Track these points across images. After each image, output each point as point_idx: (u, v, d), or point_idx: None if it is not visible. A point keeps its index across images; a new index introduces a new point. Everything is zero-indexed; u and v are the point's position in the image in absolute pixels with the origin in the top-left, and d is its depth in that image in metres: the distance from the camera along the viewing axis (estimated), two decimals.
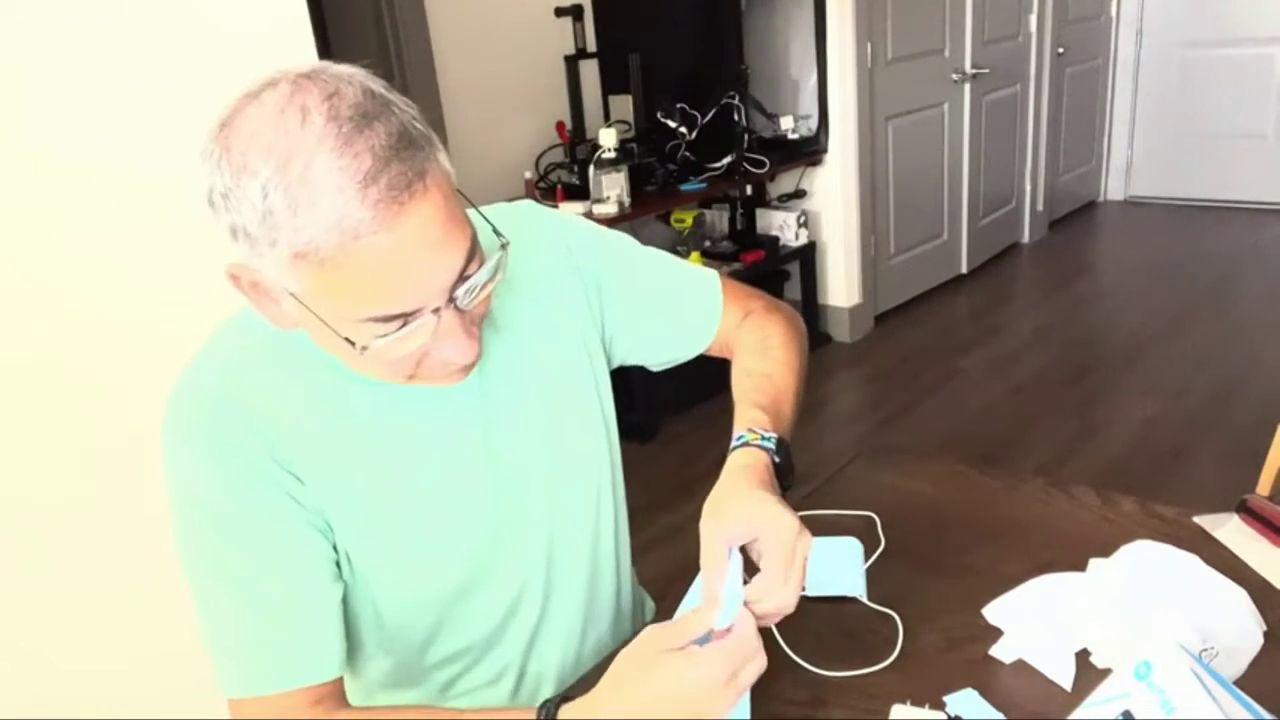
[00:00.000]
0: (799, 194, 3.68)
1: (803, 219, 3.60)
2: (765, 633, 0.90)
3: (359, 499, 0.80)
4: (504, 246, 0.72)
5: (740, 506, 0.78)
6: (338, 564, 0.81)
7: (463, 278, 0.69)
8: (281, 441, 0.76)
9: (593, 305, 0.94)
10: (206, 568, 0.78)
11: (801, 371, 0.98)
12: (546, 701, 0.73)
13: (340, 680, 0.82)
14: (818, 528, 1.08)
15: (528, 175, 3.25)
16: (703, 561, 0.77)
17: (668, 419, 3.12)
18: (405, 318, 0.67)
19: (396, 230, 0.63)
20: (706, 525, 0.77)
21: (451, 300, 0.69)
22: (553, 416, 0.90)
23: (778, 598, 0.75)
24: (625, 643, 0.73)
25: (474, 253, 0.69)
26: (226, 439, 0.75)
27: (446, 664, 0.92)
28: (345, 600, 0.83)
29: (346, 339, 0.68)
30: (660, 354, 1.02)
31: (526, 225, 0.89)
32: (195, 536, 0.78)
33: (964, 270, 4.41)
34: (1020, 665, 0.86)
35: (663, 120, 3.21)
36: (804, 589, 0.77)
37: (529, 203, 0.96)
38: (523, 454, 0.88)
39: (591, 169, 2.93)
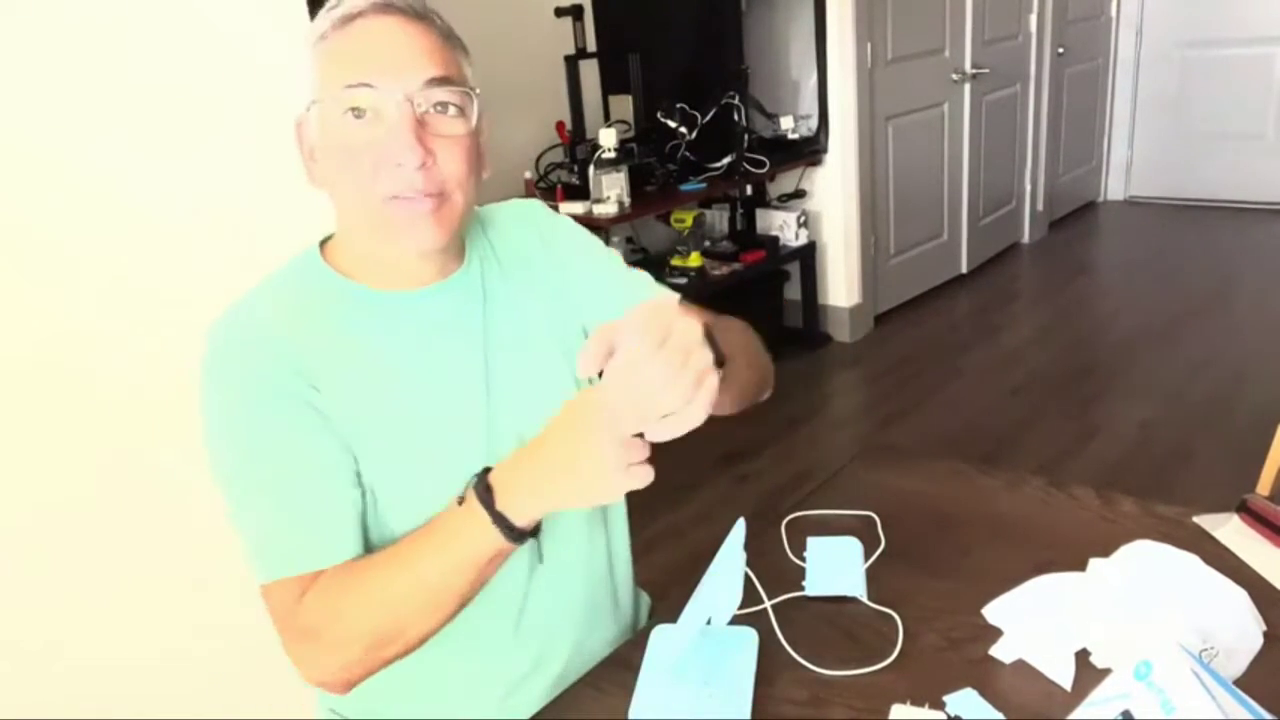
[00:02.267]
0: (799, 194, 3.68)
1: (803, 219, 3.60)
2: (766, 632, 0.91)
3: (368, 416, 0.86)
4: (475, 95, 0.86)
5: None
6: (358, 474, 0.87)
7: (429, 86, 0.83)
8: (304, 361, 0.85)
9: (561, 291, 1.01)
10: (233, 472, 0.85)
11: (752, 352, 0.98)
12: (474, 478, 0.79)
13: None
14: (818, 528, 1.09)
15: (528, 175, 3.25)
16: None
17: None
18: (371, 89, 0.81)
19: (392, 19, 0.83)
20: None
21: (413, 99, 0.82)
22: (544, 367, 0.97)
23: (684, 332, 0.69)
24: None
25: (448, 80, 0.84)
26: (254, 360, 0.84)
27: None
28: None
29: (319, 100, 0.83)
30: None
31: (508, 212, 1.03)
32: (223, 442, 0.85)
33: (964, 270, 4.41)
34: (1020, 665, 0.86)
35: (663, 120, 3.21)
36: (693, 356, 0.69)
37: (535, 200, 1.08)
38: (517, 391, 0.94)
39: (591, 169, 2.93)
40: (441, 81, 0.83)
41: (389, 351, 0.89)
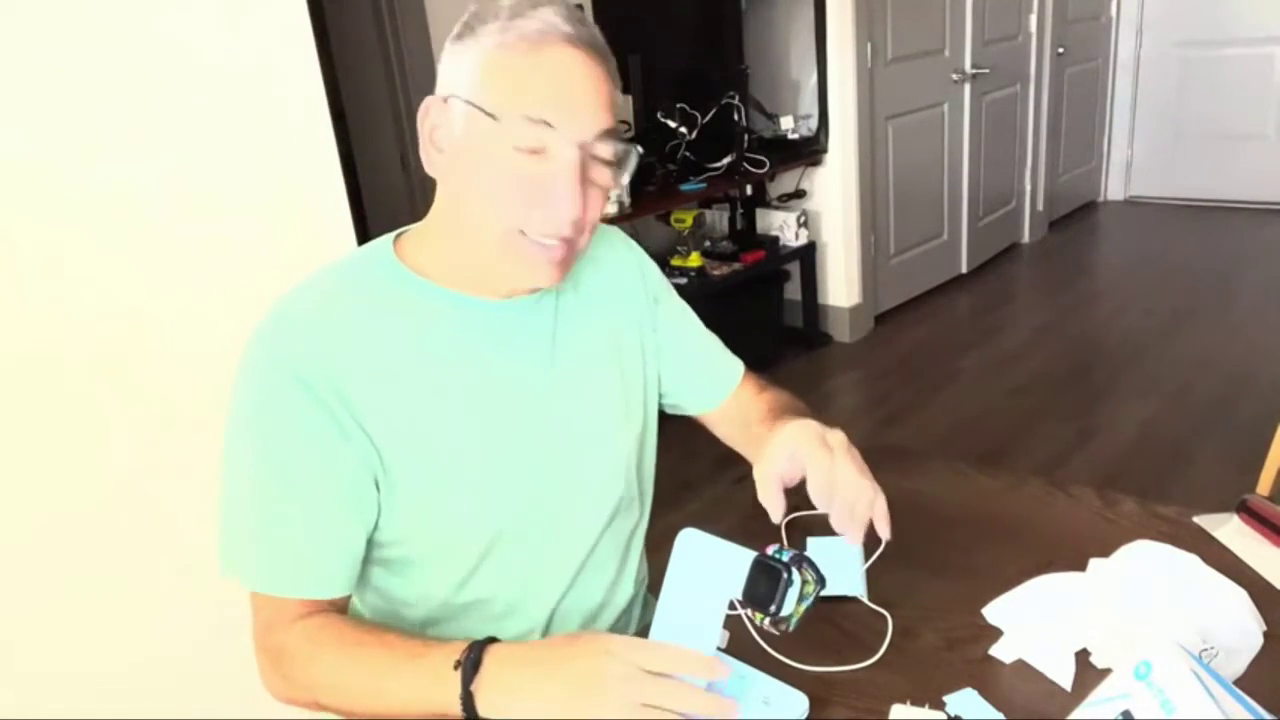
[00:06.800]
0: (799, 194, 3.68)
1: (803, 219, 3.60)
2: (765, 633, 0.91)
3: (422, 415, 0.85)
4: (631, 150, 0.86)
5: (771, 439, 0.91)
6: (376, 500, 0.86)
7: (601, 138, 0.81)
8: (358, 360, 0.83)
9: (648, 324, 1.05)
10: (247, 468, 0.84)
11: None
12: (476, 642, 0.77)
13: (341, 600, 0.88)
14: (818, 528, 1.09)
15: None
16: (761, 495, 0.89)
17: (668, 419, 3.11)
18: (550, 129, 0.78)
19: (581, 55, 0.80)
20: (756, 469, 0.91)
21: (584, 148, 0.80)
22: (601, 384, 0.98)
23: (846, 484, 0.86)
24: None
25: (616, 134, 0.83)
26: (296, 365, 0.81)
27: (475, 610, 0.94)
28: (387, 530, 0.87)
29: (492, 115, 0.78)
30: (682, 389, 1.14)
31: (611, 239, 1.07)
32: (246, 432, 0.84)
33: (964, 270, 4.41)
34: (1020, 665, 0.86)
35: (663, 120, 3.21)
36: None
37: (616, 228, 1.11)
38: (576, 405, 0.95)
39: None
40: (611, 134, 0.82)
41: (457, 353, 0.88)
